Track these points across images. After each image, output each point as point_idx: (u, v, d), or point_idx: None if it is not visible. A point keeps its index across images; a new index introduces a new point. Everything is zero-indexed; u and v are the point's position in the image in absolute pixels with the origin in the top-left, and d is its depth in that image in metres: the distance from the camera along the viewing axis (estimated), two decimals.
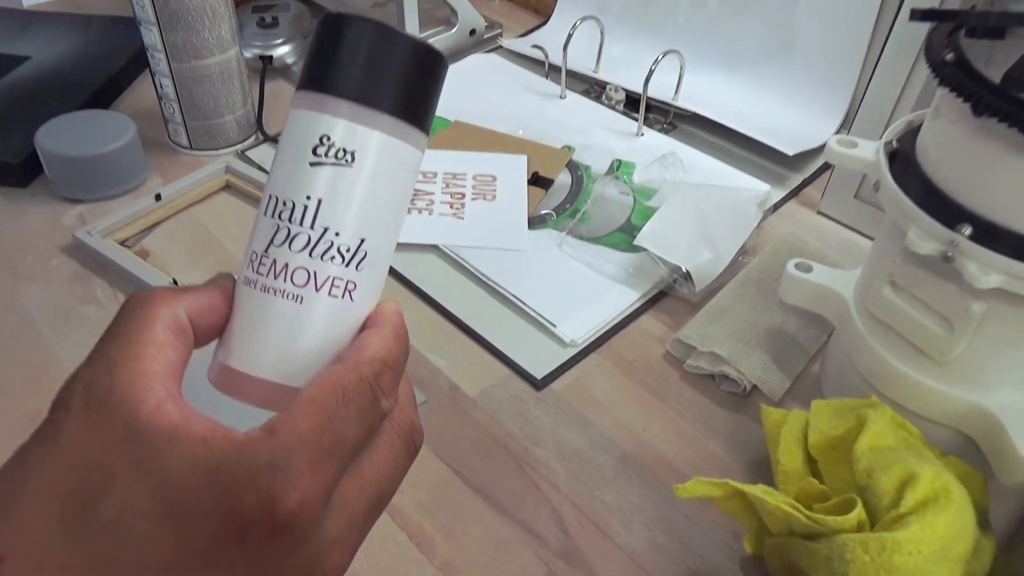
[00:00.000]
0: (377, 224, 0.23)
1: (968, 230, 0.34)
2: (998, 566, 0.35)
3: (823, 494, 0.36)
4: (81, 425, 0.19)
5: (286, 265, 0.22)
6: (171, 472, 0.18)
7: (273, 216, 0.22)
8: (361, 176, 0.22)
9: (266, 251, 0.22)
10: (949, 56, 0.33)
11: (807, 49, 0.67)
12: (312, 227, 0.22)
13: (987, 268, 0.33)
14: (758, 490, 0.35)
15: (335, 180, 0.22)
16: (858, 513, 0.33)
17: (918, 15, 0.34)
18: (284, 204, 0.22)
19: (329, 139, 0.22)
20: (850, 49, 0.64)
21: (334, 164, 0.22)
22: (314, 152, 0.22)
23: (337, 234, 0.22)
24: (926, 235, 0.35)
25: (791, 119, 0.67)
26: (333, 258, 0.22)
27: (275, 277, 0.22)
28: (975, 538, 0.34)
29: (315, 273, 0.22)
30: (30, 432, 0.20)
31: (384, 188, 0.23)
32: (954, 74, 0.33)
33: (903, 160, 0.38)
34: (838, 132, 0.65)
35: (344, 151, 0.22)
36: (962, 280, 0.34)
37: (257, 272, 0.22)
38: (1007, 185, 0.33)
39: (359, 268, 0.23)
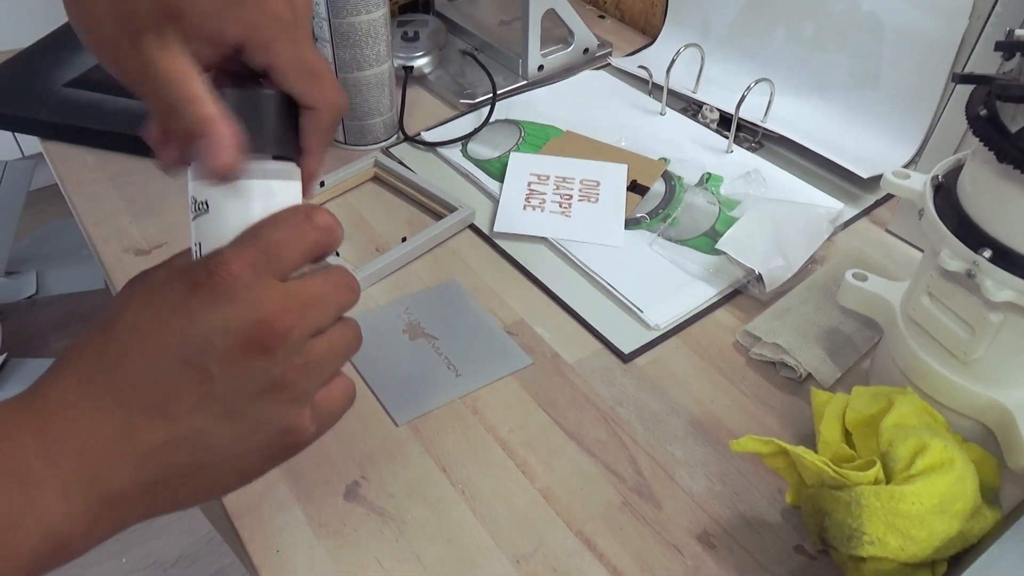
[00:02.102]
0: None
1: (988, 253, 0.42)
2: (994, 530, 0.43)
3: (851, 457, 0.44)
4: None
5: None
6: (157, 275, 0.32)
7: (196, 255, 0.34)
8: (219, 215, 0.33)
9: None
10: (983, 112, 0.41)
11: (889, 84, 0.74)
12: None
13: (1001, 285, 0.41)
14: (799, 449, 0.43)
15: (202, 226, 0.33)
16: (876, 471, 0.41)
17: (958, 79, 0.42)
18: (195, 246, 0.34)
19: (194, 199, 0.33)
20: (928, 87, 0.71)
21: (197, 215, 0.33)
22: (192, 211, 0.34)
23: None
24: (955, 255, 0.43)
25: (869, 145, 0.74)
26: None
27: None
28: (975, 503, 0.42)
29: None
30: None
31: (244, 216, 0.33)
32: (984, 128, 0.41)
33: (945, 192, 0.46)
34: (911, 161, 0.72)
35: (198, 203, 0.33)
36: (981, 294, 0.42)
37: None
38: (1021, 218, 0.40)
39: None
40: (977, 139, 0.41)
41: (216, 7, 0.32)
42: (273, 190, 0.34)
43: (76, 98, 0.79)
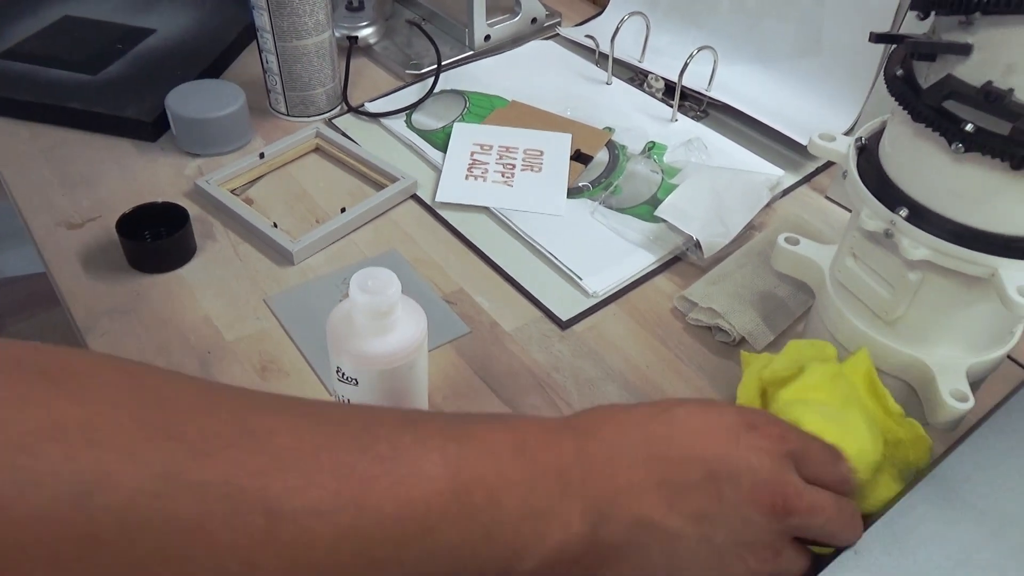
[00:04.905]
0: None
1: (905, 212, 0.42)
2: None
3: None
4: None
5: None
6: (714, 406, 0.36)
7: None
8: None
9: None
10: (899, 72, 0.42)
11: (831, 51, 0.74)
12: None
13: (917, 243, 0.42)
14: None
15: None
16: None
17: (874, 38, 0.42)
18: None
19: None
20: (868, 52, 0.71)
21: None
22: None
23: None
24: (874, 215, 0.44)
25: (811, 112, 0.74)
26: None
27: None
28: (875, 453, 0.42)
29: None
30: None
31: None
32: (899, 87, 0.41)
33: (868, 154, 0.47)
34: (853, 127, 0.73)
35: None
36: (900, 253, 0.43)
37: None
38: (935, 177, 0.41)
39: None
40: (894, 99, 0.41)
41: None
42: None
43: (9, 70, 0.77)
